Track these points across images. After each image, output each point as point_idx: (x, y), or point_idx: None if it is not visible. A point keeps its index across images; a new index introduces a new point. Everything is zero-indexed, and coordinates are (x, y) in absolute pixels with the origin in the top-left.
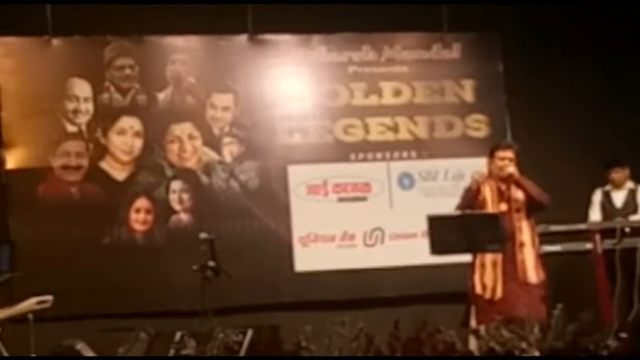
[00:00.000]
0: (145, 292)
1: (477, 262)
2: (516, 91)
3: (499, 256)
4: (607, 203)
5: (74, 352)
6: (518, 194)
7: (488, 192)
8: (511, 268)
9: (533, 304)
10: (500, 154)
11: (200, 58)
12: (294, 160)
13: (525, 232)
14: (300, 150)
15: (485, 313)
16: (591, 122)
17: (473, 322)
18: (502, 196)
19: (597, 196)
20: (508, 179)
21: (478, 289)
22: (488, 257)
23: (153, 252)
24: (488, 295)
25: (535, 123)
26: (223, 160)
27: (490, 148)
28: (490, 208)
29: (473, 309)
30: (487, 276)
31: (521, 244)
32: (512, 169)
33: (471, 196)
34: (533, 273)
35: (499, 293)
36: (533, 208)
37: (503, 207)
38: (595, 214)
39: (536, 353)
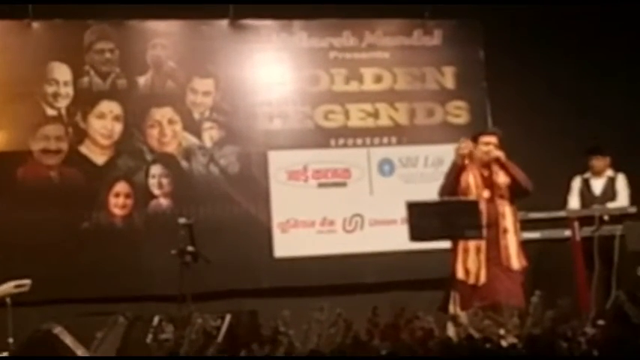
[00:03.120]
0: (124, 276)
1: (460, 248)
2: (497, 79)
3: (482, 242)
4: (586, 190)
5: (52, 336)
6: (501, 180)
7: (471, 178)
8: (494, 254)
9: (513, 290)
10: (485, 139)
11: (181, 43)
12: (274, 146)
13: (508, 218)
14: (280, 135)
15: (468, 299)
16: (571, 110)
17: (451, 308)
18: (485, 182)
19: (576, 183)
20: (493, 163)
21: (460, 275)
22: (472, 243)
23: (132, 236)
24: (471, 281)
25: (515, 110)
26: (203, 145)
27: (474, 134)
28: (474, 195)
29: (453, 295)
30: (470, 261)
31: (505, 230)
32: (498, 152)
33: (457, 173)
34: (515, 259)
35: (483, 278)
36: (517, 194)
37: (487, 193)
38: (573, 201)
39: (514, 340)
